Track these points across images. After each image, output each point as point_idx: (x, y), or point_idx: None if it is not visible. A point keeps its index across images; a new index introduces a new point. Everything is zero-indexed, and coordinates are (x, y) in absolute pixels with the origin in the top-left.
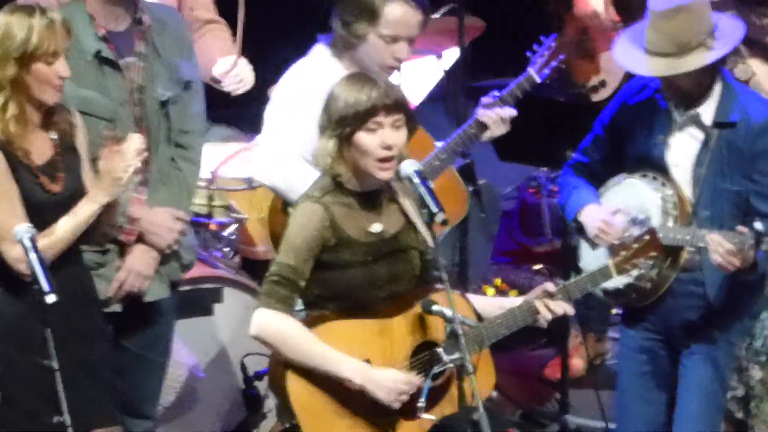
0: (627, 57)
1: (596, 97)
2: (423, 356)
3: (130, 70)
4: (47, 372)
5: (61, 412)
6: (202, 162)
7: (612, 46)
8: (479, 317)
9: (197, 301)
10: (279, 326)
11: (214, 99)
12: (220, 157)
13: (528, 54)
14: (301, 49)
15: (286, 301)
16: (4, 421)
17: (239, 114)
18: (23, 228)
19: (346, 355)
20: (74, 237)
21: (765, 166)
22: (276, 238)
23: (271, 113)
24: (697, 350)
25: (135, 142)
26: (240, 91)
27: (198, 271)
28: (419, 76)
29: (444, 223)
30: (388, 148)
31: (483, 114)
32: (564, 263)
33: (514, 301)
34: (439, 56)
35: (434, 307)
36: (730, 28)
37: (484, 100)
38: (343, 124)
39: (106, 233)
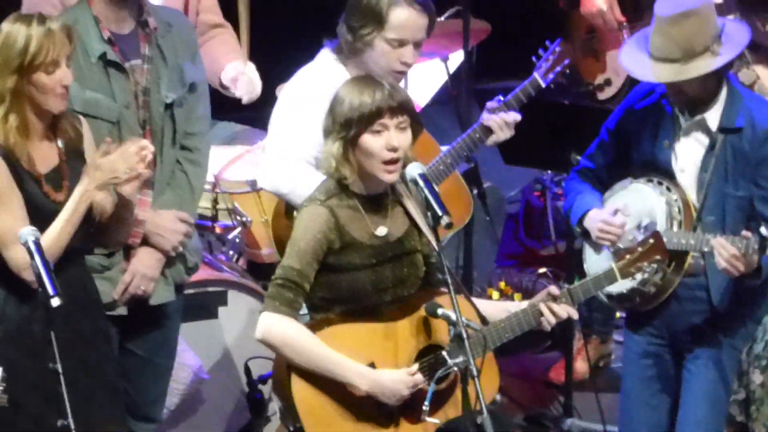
0: (633, 63)
1: (601, 96)
2: (428, 359)
3: (135, 73)
4: (52, 375)
5: (66, 415)
6: (207, 164)
7: (617, 45)
8: (484, 320)
9: (202, 304)
10: (285, 330)
11: (222, 101)
12: (224, 160)
13: (533, 59)
14: (307, 54)
15: (291, 305)
16: (10, 423)
17: (247, 115)
18: (27, 230)
19: (351, 360)
20: (71, 227)
21: None
22: (280, 242)
23: (276, 118)
24: (701, 355)
25: (137, 144)
26: (250, 98)
27: (202, 274)
28: (425, 79)
29: (449, 226)
30: (394, 149)
31: (488, 118)
32: (568, 266)
33: (518, 305)
34: (445, 59)
35: (439, 311)
36: (737, 33)
37: (489, 104)
38: (348, 127)
39: (122, 236)
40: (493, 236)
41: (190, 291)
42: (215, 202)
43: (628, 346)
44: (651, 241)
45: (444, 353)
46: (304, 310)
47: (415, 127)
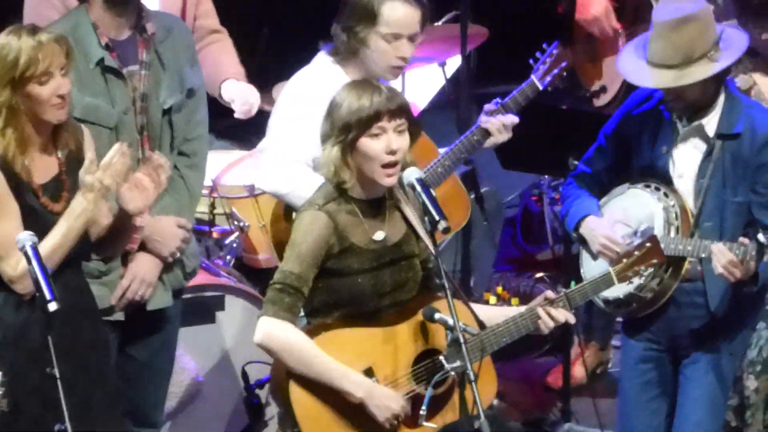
0: (631, 69)
1: (597, 102)
2: (425, 364)
3: (133, 78)
4: (50, 380)
5: (64, 420)
6: (205, 168)
7: (614, 52)
8: (481, 325)
9: (199, 309)
10: (284, 335)
11: (218, 110)
12: (222, 165)
13: (531, 62)
14: (304, 60)
15: (291, 309)
16: (9, 427)
17: (243, 125)
18: (25, 236)
19: (349, 369)
20: (69, 243)
21: None
22: (279, 245)
23: (274, 121)
24: (699, 360)
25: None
26: (246, 117)
27: (200, 278)
28: (422, 84)
29: (446, 231)
30: (393, 152)
31: (486, 121)
32: (566, 271)
33: (516, 310)
34: (442, 64)
35: (436, 316)
36: (735, 39)
37: (487, 107)
38: (347, 131)
39: (120, 247)
40: (491, 241)
41: (188, 296)
42: (213, 206)
43: (626, 351)
44: (648, 245)
45: (441, 358)
46: (300, 314)
47: (413, 131)
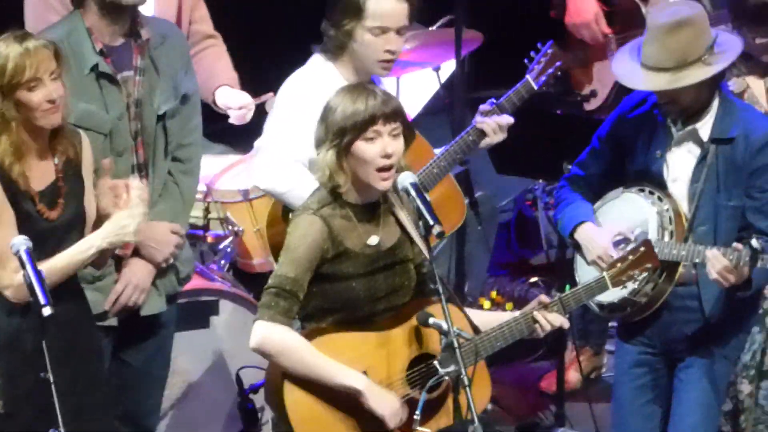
0: (625, 71)
1: (588, 106)
2: (419, 368)
3: (127, 84)
4: (44, 385)
5: (57, 425)
6: (199, 174)
7: (604, 56)
8: (476, 329)
9: (194, 314)
10: (280, 338)
11: (212, 114)
12: (217, 170)
13: (525, 61)
14: (298, 66)
15: (286, 313)
16: (5, 430)
17: (236, 130)
18: (20, 240)
19: (347, 367)
20: (67, 272)
21: (763, 182)
22: (276, 247)
23: (271, 121)
24: (693, 364)
25: (138, 189)
26: (242, 122)
27: (194, 283)
28: (416, 89)
29: (440, 235)
30: (388, 156)
31: (481, 121)
32: (560, 275)
33: (510, 315)
34: (437, 69)
35: (430, 320)
36: (729, 44)
37: (482, 107)
38: (341, 135)
39: (105, 258)
40: (485, 245)
41: (182, 300)
42: (207, 211)
43: (620, 355)
44: (642, 249)
45: (436, 362)
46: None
47: (406, 135)
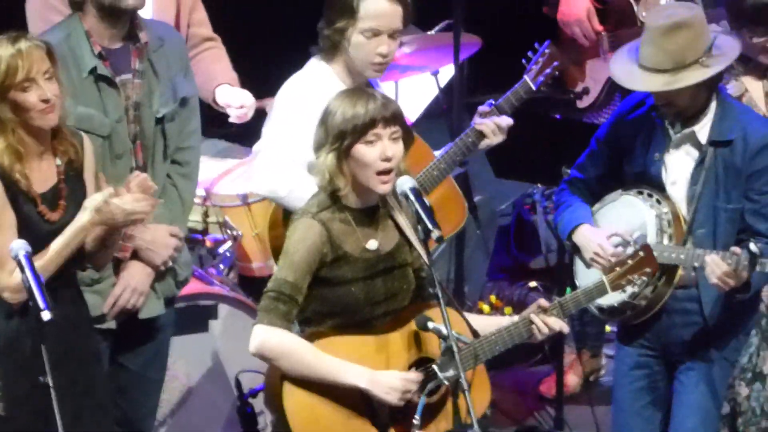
0: (622, 72)
1: (580, 104)
2: (419, 372)
3: (126, 87)
4: (42, 388)
5: (56, 429)
6: (198, 177)
7: (596, 54)
8: (475, 333)
9: (193, 318)
10: (280, 341)
11: (212, 114)
12: (216, 173)
13: (523, 61)
14: (297, 67)
15: (285, 317)
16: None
17: (237, 130)
18: (18, 244)
19: (349, 363)
20: (65, 254)
21: (761, 185)
22: (277, 251)
23: (269, 124)
24: (693, 367)
25: (140, 183)
26: (243, 120)
27: (193, 287)
28: (415, 93)
29: (439, 240)
30: (388, 159)
31: (480, 123)
32: (559, 280)
33: (509, 319)
34: (435, 73)
35: (429, 324)
36: (727, 46)
37: (480, 108)
38: (341, 138)
39: (107, 259)
40: (484, 249)
41: (181, 304)
42: (206, 215)
43: (620, 358)
44: (641, 253)
45: (435, 366)
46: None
47: (405, 138)
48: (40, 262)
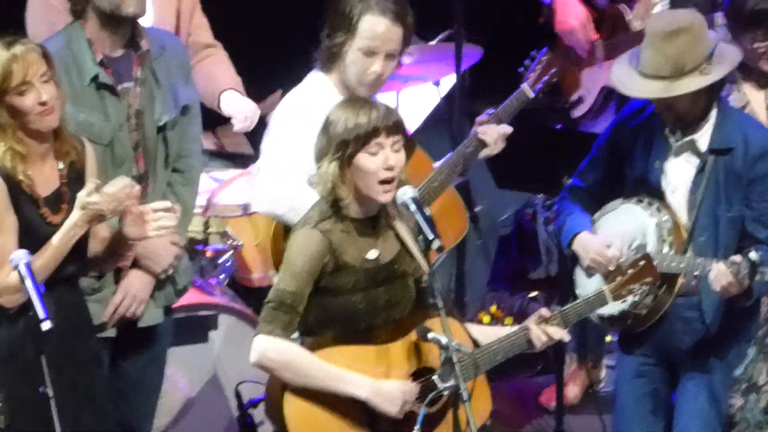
0: (622, 78)
1: (575, 113)
2: (419, 383)
3: (128, 95)
4: (42, 398)
5: None
6: (198, 185)
7: (592, 63)
8: (476, 343)
9: (193, 328)
10: (281, 352)
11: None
12: (217, 183)
13: (521, 70)
14: (299, 70)
15: (286, 328)
16: None
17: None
18: (19, 254)
19: (350, 373)
20: (56, 259)
21: (762, 192)
22: (279, 264)
23: (268, 142)
24: (694, 374)
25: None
26: (247, 130)
27: (193, 297)
28: (416, 103)
29: (440, 249)
30: (390, 168)
31: (480, 131)
32: (561, 289)
33: (510, 329)
34: (437, 83)
35: (429, 335)
36: (728, 53)
37: (479, 118)
38: (344, 147)
39: (112, 265)
40: (485, 259)
41: (181, 315)
42: (207, 225)
43: (622, 366)
44: (641, 263)
45: (435, 377)
46: (295, 334)
47: (406, 148)
48: (39, 261)
